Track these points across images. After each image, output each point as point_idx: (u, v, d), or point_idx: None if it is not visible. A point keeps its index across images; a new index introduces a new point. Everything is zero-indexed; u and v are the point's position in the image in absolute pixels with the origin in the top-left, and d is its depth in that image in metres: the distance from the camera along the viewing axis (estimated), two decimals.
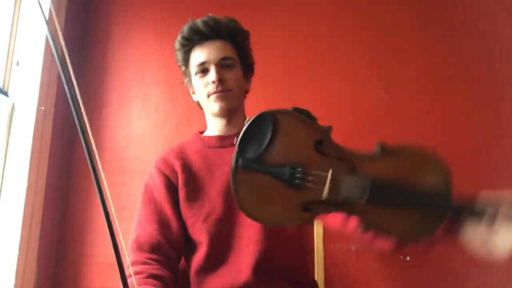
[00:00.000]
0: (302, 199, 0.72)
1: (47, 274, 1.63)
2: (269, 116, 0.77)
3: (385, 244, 0.85)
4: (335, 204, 0.71)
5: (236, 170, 0.74)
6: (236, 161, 0.74)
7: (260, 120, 0.77)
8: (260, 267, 0.99)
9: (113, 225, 0.61)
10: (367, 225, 0.71)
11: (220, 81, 1.10)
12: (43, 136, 1.60)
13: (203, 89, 1.14)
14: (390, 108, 1.65)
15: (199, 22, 1.14)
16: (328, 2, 1.80)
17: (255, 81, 1.74)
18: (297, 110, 0.79)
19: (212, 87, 1.11)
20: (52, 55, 1.68)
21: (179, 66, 1.23)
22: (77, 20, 1.88)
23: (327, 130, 0.78)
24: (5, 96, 1.56)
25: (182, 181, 1.09)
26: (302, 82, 1.73)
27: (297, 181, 0.73)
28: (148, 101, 1.81)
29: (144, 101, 1.82)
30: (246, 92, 1.25)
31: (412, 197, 0.69)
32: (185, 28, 1.16)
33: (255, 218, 0.75)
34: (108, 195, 0.63)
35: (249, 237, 1.02)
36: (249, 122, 0.76)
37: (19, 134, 1.56)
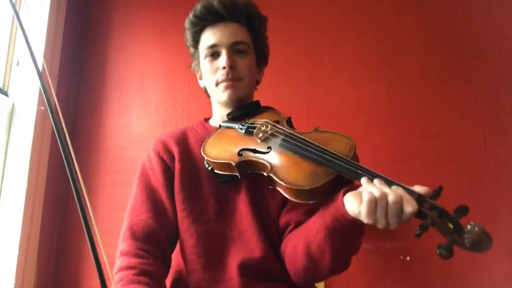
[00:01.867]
0: (242, 143, 0.96)
1: (47, 274, 1.63)
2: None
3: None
4: (260, 152, 0.92)
5: (218, 128, 1.07)
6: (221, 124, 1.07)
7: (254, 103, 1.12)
8: (251, 273, 0.94)
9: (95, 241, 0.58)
10: (273, 171, 0.86)
11: (231, 67, 1.04)
12: (43, 136, 1.61)
13: (212, 75, 1.07)
14: (390, 108, 1.65)
15: (214, 1, 1.06)
16: (328, 2, 1.80)
17: None
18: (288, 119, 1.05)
19: (222, 74, 1.04)
20: (53, 55, 1.68)
21: (188, 47, 1.16)
22: (77, 20, 1.88)
23: (284, 118, 1.03)
24: (5, 96, 1.56)
25: (178, 169, 1.04)
26: (302, 82, 1.73)
27: (249, 129, 0.99)
28: (148, 101, 1.81)
29: (144, 101, 1.82)
30: (258, 82, 1.18)
31: (313, 148, 0.83)
32: (198, 6, 1.07)
33: (203, 151, 0.99)
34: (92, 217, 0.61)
35: (240, 243, 0.97)
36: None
37: (19, 134, 1.56)
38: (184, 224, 1.01)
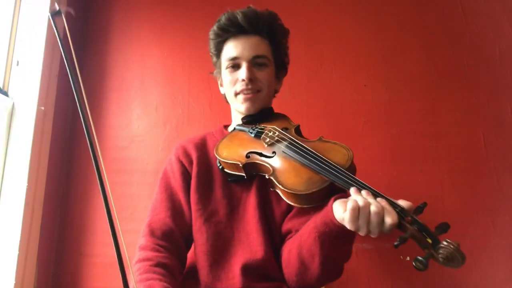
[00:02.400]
0: (251, 147, 1.03)
1: (47, 274, 1.63)
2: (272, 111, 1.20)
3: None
4: (265, 156, 0.98)
5: (233, 130, 1.15)
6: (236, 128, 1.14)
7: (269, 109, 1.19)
8: (253, 273, 0.98)
9: (115, 224, 0.62)
10: (274, 175, 0.92)
11: (251, 80, 1.09)
12: (43, 136, 1.60)
13: (232, 86, 1.12)
14: (390, 108, 1.65)
15: (238, 13, 1.10)
16: (328, 2, 1.80)
17: None
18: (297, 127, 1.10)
19: (241, 85, 1.10)
20: (53, 55, 1.68)
21: (211, 55, 1.20)
22: (77, 20, 1.88)
23: (293, 126, 1.08)
24: (5, 96, 1.56)
25: (195, 173, 1.10)
26: (302, 82, 1.73)
27: (258, 133, 1.05)
28: (148, 101, 1.81)
29: (144, 101, 1.82)
30: (276, 91, 1.23)
31: (312, 157, 0.89)
32: (223, 18, 1.12)
33: (216, 151, 1.06)
34: (111, 195, 0.64)
35: (246, 244, 1.01)
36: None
37: (19, 134, 1.56)
38: (196, 223, 1.05)
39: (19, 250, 1.45)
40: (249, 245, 1.01)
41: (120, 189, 1.69)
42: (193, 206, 1.07)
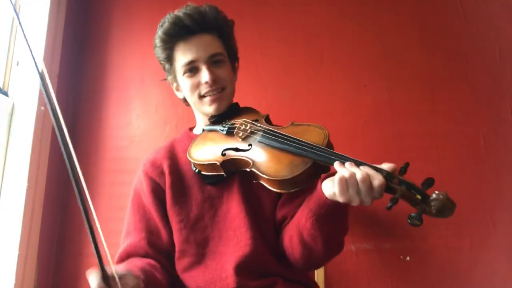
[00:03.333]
0: (225, 144, 1.00)
1: (47, 274, 1.63)
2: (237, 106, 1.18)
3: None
4: (242, 150, 0.97)
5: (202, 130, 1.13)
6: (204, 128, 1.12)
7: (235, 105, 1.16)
8: (246, 270, 0.97)
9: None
10: (255, 166, 0.91)
11: (214, 80, 1.05)
12: (43, 136, 1.60)
13: (194, 90, 1.08)
14: (390, 108, 1.65)
15: (181, 15, 1.06)
16: (328, 2, 1.80)
17: (256, 81, 1.74)
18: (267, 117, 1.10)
19: (205, 87, 1.06)
20: (53, 55, 1.68)
21: (161, 63, 1.15)
22: (77, 20, 1.88)
23: (263, 116, 1.07)
24: (5, 96, 1.56)
25: (169, 183, 1.07)
26: (302, 82, 1.73)
27: (230, 130, 1.03)
28: (148, 101, 1.81)
29: (144, 101, 1.82)
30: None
31: (289, 141, 0.89)
32: (167, 23, 1.07)
33: (189, 155, 1.03)
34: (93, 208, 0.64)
35: (235, 241, 1.00)
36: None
37: (19, 134, 1.56)
38: (182, 235, 1.04)
39: (19, 250, 1.45)
40: (238, 241, 0.99)
41: (120, 189, 1.68)
42: (174, 218, 1.05)
